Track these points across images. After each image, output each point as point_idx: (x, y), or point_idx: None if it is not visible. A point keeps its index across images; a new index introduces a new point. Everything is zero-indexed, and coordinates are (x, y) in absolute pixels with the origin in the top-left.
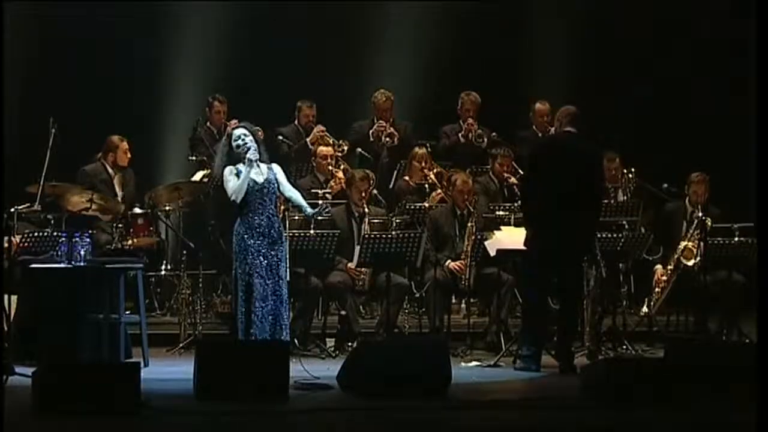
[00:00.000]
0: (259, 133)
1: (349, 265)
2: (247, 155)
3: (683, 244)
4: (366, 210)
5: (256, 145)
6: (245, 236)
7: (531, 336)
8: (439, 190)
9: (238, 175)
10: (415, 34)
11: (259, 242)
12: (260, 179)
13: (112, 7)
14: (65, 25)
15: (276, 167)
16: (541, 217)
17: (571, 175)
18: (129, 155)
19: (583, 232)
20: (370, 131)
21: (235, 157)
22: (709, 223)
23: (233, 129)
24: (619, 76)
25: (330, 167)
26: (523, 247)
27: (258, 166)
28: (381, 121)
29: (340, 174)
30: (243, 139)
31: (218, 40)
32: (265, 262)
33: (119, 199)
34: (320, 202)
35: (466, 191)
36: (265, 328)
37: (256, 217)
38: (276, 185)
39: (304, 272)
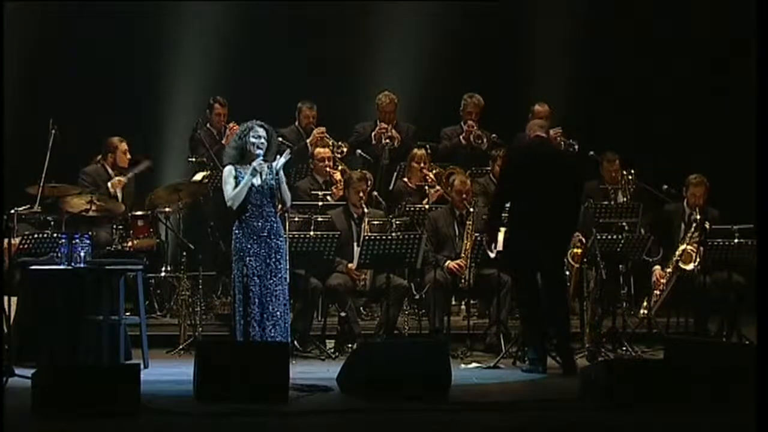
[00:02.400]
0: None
1: (350, 265)
2: (254, 164)
3: (681, 247)
4: (365, 210)
5: (266, 152)
6: (244, 238)
7: (534, 338)
8: (438, 187)
9: (236, 178)
10: (414, 35)
11: (258, 244)
12: (258, 181)
13: (113, 7)
14: (65, 25)
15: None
16: (517, 221)
17: (545, 179)
18: (129, 156)
19: (561, 233)
20: (372, 133)
21: (247, 151)
22: (708, 226)
23: (256, 125)
24: (619, 77)
25: (328, 169)
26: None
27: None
28: (382, 123)
29: (338, 175)
30: (261, 142)
31: (218, 41)
32: (264, 264)
33: (119, 200)
34: (320, 204)
35: (465, 191)
36: (265, 329)
37: (255, 220)
38: (276, 186)
39: (304, 273)
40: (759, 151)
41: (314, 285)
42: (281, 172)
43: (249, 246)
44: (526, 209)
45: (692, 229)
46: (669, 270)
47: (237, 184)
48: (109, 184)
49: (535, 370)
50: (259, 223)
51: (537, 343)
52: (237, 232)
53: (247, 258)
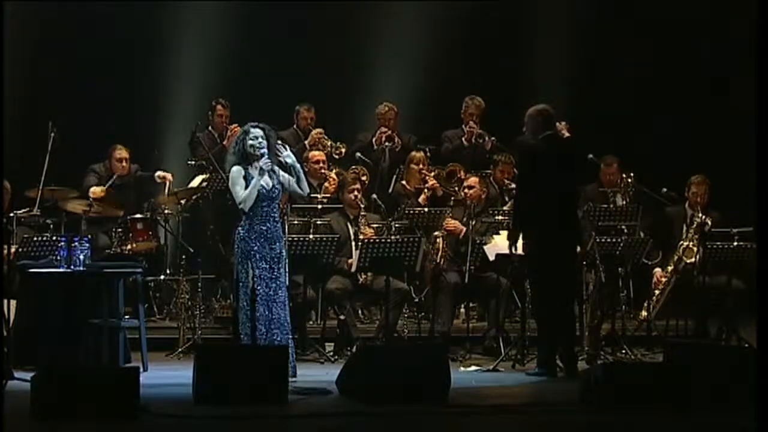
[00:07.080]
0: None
1: (349, 261)
2: (261, 163)
3: (684, 243)
4: (361, 206)
5: (268, 151)
6: (249, 241)
7: (546, 346)
8: (434, 182)
9: (245, 178)
10: (414, 36)
11: (263, 248)
12: (269, 185)
13: (112, 7)
14: (65, 24)
15: (278, 170)
16: (534, 222)
17: (556, 177)
18: (124, 164)
19: (575, 231)
20: (373, 139)
21: (247, 155)
22: (710, 223)
23: (251, 127)
24: (619, 78)
25: (323, 171)
26: (520, 252)
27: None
28: (383, 128)
29: (333, 175)
30: (260, 142)
31: (218, 42)
32: (268, 267)
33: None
34: (319, 207)
35: (480, 187)
36: (272, 332)
37: (261, 223)
38: (281, 190)
39: (302, 281)
40: (759, 154)
41: (310, 296)
42: (296, 163)
43: (255, 249)
44: (545, 208)
45: (693, 228)
46: (670, 268)
47: (247, 184)
48: (90, 191)
49: (542, 375)
50: (265, 227)
51: (548, 350)
52: (243, 233)
53: (251, 261)
